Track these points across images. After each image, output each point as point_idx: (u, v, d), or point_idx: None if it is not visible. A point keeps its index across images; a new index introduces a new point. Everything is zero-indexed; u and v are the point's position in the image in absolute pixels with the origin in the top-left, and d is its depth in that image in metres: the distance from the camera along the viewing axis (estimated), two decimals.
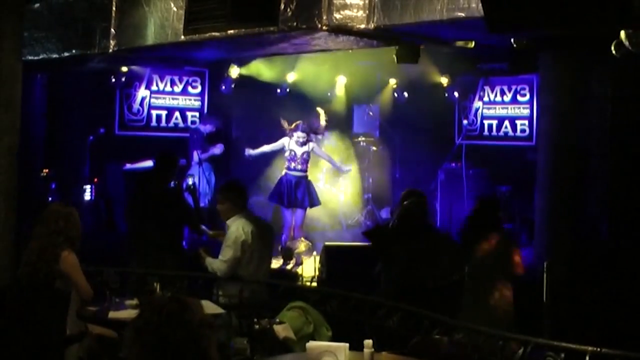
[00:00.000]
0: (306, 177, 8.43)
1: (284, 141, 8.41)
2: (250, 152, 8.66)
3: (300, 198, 8.34)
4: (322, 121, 8.62)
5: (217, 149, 9.89)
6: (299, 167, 8.32)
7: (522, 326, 5.11)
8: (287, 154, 8.38)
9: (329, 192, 10.59)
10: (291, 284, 6.63)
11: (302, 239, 8.59)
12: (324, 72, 10.85)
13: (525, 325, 5.12)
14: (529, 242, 7.97)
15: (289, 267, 7.99)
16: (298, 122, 8.45)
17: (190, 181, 8.53)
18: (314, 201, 8.53)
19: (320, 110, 8.75)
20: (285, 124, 8.40)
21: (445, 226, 9.25)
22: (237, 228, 5.42)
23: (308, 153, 8.36)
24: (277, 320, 4.57)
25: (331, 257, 7.20)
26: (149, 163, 9.29)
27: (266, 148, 8.61)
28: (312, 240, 8.92)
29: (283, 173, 8.44)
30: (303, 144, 8.28)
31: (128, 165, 9.59)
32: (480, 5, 4.19)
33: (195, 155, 9.51)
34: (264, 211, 9.39)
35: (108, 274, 4.89)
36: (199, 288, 5.40)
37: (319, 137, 8.55)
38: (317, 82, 10.89)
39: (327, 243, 7.73)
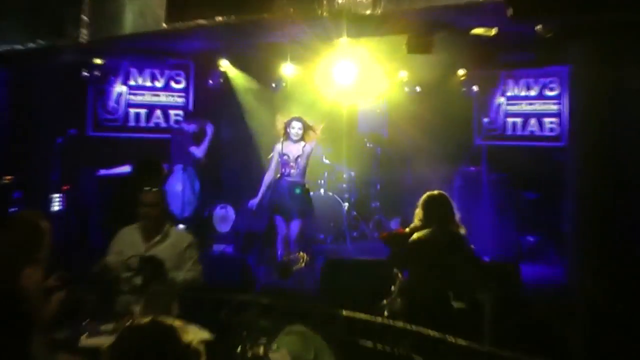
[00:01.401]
0: (303, 184, 8.41)
1: (276, 148, 8.38)
2: (254, 202, 8.51)
3: (296, 207, 8.31)
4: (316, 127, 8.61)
5: (199, 152, 9.88)
6: (294, 171, 8.30)
7: (554, 351, 5.07)
8: (280, 158, 8.34)
9: (331, 200, 10.59)
10: (289, 304, 6.61)
11: (301, 253, 8.55)
12: (325, 63, 10.82)
13: (558, 350, 5.07)
14: (558, 257, 7.95)
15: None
16: (293, 116, 8.45)
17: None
18: (310, 211, 8.50)
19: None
20: (280, 124, 8.37)
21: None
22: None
23: (301, 156, 8.32)
24: (274, 346, 4.55)
25: (334, 273, 7.19)
26: (126, 168, 9.30)
27: (267, 177, 8.46)
28: (312, 254, 8.91)
29: (277, 177, 8.42)
30: (298, 141, 8.24)
31: (103, 171, 9.57)
32: None
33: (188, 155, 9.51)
34: (257, 220, 9.38)
35: (82, 293, 4.86)
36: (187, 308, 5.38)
37: (313, 142, 8.51)
38: (314, 73, 10.85)
39: (329, 258, 7.70)
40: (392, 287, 5.68)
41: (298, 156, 8.31)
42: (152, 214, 5.21)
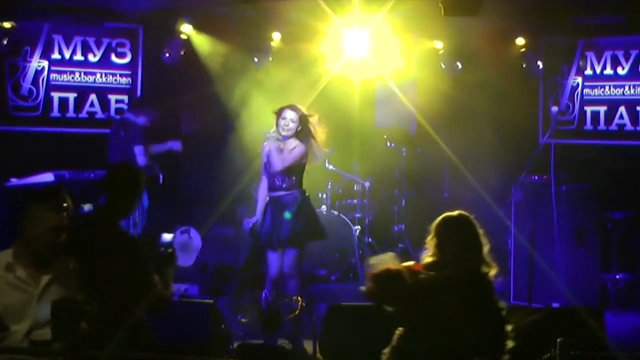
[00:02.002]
0: (300, 196, 8.33)
1: (261, 150, 8.30)
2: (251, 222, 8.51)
3: (292, 231, 8.24)
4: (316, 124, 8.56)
5: (176, 144, 9.89)
6: (275, 182, 8.22)
7: None
8: (267, 164, 8.25)
9: (336, 221, 10.55)
10: None
11: (298, 297, 8.50)
12: (327, 30, 10.82)
13: None
14: None
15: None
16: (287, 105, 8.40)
17: (87, 208, 8.49)
18: (316, 232, 8.43)
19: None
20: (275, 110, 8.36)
21: (524, 271, 9.20)
22: None
23: (289, 163, 8.23)
24: None
25: (341, 325, 7.13)
26: (48, 177, 9.26)
27: (262, 188, 8.42)
28: (309, 298, 8.85)
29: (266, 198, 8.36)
30: (292, 135, 8.13)
31: (14, 180, 9.55)
32: None
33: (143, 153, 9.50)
34: (232, 249, 9.33)
35: None
36: None
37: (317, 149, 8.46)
38: (315, 46, 10.86)
39: (334, 303, 7.66)
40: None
41: (286, 162, 8.25)
42: (60, 242, 5.14)
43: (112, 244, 5.64)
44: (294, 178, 8.23)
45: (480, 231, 5.60)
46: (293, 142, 8.19)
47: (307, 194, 8.31)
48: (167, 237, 6.06)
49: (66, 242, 5.56)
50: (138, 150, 9.53)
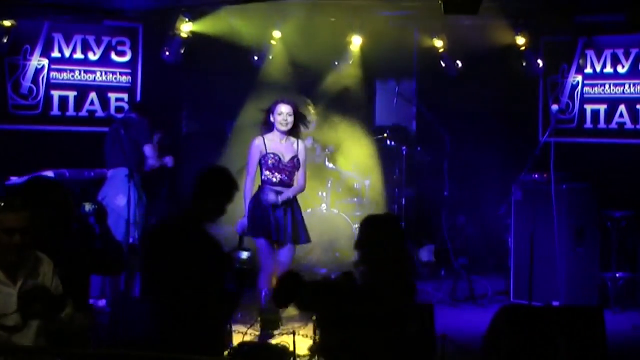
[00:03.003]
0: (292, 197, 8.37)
1: (257, 144, 8.27)
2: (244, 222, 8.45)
3: (289, 229, 8.24)
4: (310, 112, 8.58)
5: (168, 161, 9.85)
6: (287, 178, 8.21)
7: None
8: (263, 159, 8.24)
9: (336, 220, 10.54)
10: None
11: None
12: (327, 28, 10.82)
13: None
14: None
15: (274, 340, 7.93)
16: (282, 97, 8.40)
17: (88, 207, 8.44)
18: (302, 235, 8.43)
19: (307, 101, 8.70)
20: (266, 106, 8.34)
21: (524, 270, 9.19)
22: None
23: (297, 158, 8.23)
24: None
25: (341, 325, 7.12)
26: (48, 175, 9.25)
27: (249, 187, 8.38)
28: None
29: (257, 188, 8.34)
30: (287, 134, 8.13)
31: (14, 179, 9.55)
32: None
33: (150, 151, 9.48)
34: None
35: None
36: None
37: (310, 140, 8.48)
38: (316, 44, 10.86)
39: None
40: None
41: (295, 157, 8.24)
42: (17, 244, 5.09)
43: (196, 246, 5.67)
44: (295, 173, 8.27)
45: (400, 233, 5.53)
46: (292, 139, 8.22)
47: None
48: (244, 254, 6.04)
49: (147, 238, 5.61)
50: (148, 150, 9.49)
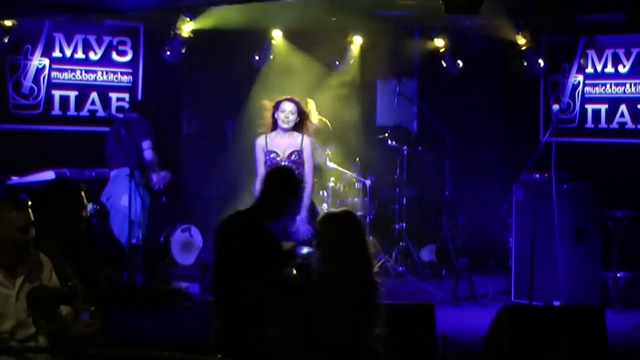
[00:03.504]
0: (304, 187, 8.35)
1: (259, 143, 8.23)
2: None
3: (300, 230, 8.19)
4: (312, 109, 8.55)
5: (164, 177, 9.82)
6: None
7: None
8: (266, 157, 8.20)
9: None
10: None
11: None
12: (328, 28, 10.82)
13: None
14: None
15: None
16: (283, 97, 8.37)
17: (90, 207, 8.45)
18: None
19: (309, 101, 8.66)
20: (267, 104, 8.30)
21: (525, 269, 9.18)
22: None
23: (299, 152, 8.20)
24: None
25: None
26: (49, 175, 9.25)
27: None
28: None
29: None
30: (289, 131, 8.10)
31: (15, 179, 9.54)
32: None
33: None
34: None
35: None
36: None
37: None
38: (317, 44, 10.86)
39: None
40: None
41: (294, 152, 8.19)
42: (31, 239, 5.11)
43: (257, 244, 5.72)
44: (301, 169, 8.24)
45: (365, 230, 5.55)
46: (295, 134, 8.20)
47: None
48: (305, 249, 6.05)
49: (215, 235, 5.67)
50: (146, 144, 9.50)
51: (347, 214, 5.50)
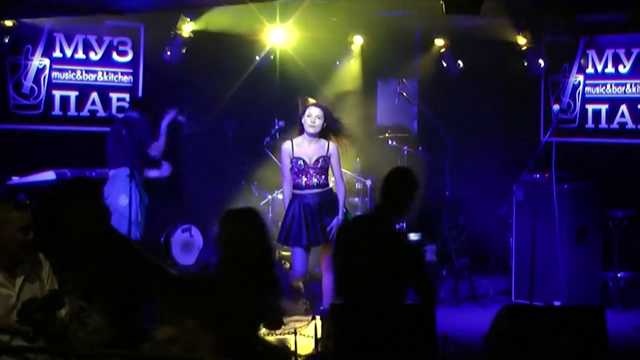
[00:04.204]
0: (330, 190, 8.37)
1: (286, 148, 8.22)
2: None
3: (334, 231, 8.20)
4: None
5: (164, 170, 9.84)
6: (315, 180, 8.20)
7: None
8: (293, 164, 8.20)
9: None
10: None
11: (299, 289, 8.55)
12: (329, 28, 10.82)
13: None
14: None
15: (272, 337, 7.93)
16: (312, 101, 8.42)
17: None
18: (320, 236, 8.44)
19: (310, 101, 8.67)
20: (303, 103, 8.36)
21: (525, 270, 9.19)
22: None
23: (326, 158, 8.22)
24: None
25: (343, 322, 7.10)
26: (49, 175, 9.26)
27: (287, 190, 8.33)
28: (311, 295, 8.85)
29: (291, 198, 8.28)
30: (316, 136, 8.11)
31: (16, 179, 9.54)
32: None
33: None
34: None
35: None
36: None
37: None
38: (317, 44, 10.86)
39: (334, 303, 7.63)
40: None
41: (320, 157, 8.22)
42: (32, 239, 5.11)
43: (386, 244, 5.81)
44: (326, 173, 8.28)
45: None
46: (322, 140, 8.23)
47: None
48: (413, 236, 6.15)
49: (337, 239, 5.72)
50: (154, 146, 9.52)
51: (249, 212, 5.50)
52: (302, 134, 8.29)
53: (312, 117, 8.19)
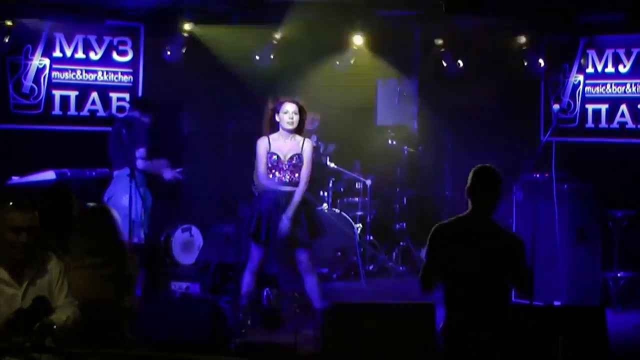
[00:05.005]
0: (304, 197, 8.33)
1: (262, 143, 8.20)
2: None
3: (281, 227, 8.15)
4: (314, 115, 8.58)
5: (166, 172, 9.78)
6: (288, 177, 8.16)
7: None
8: (267, 159, 8.17)
9: (337, 219, 10.53)
10: None
11: (296, 294, 8.52)
12: (329, 28, 10.82)
13: None
14: None
15: (276, 338, 7.95)
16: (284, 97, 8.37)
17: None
18: (317, 229, 8.36)
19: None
20: (270, 105, 8.31)
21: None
22: None
23: (300, 156, 8.17)
24: None
25: (342, 323, 7.10)
26: (49, 175, 9.25)
27: (266, 182, 8.29)
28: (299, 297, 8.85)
29: (258, 192, 8.29)
30: (292, 132, 8.07)
31: (16, 178, 9.53)
32: None
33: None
34: (234, 247, 9.33)
35: None
36: None
37: (314, 138, 8.45)
38: (317, 44, 10.86)
39: (335, 301, 7.63)
40: None
41: (295, 155, 8.16)
42: (23, 242, 5.09)
43: (488, 241, 5.93)
44: (299, 172, 8.21)
45: None
46: (296, 137, 8.18)
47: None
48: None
49: (437, 240, 5.87)
50: (139, 153, 9.39)
51: (101, 210, 5.60)
52: (276, 130, 8.22)
53: (290, 113, 8.10)
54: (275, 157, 8.12)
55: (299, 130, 8.19)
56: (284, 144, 8.14)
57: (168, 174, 9.55)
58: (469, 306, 5.67)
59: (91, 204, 6.76)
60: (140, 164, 9.27)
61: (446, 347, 5.83)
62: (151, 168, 9.43)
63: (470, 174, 6.14)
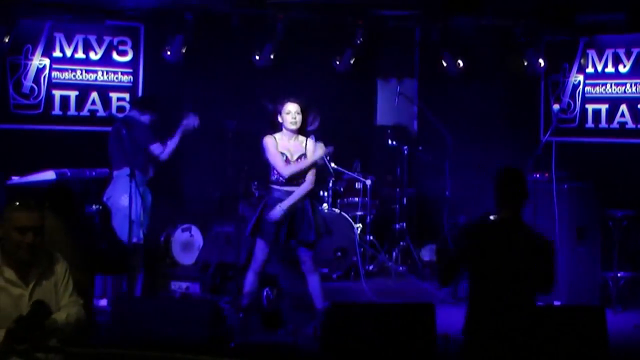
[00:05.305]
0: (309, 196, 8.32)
1: (270, 141, 8.13)
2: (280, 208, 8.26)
3: (303, 228, 8.13)
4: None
5: (163, 151, 9.77)
6: (295, 177, 8.14)
7: None
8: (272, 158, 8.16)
9: (337, 219, 10.52)
10: None
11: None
12: (328, 27, 10.82)
13: None
14: None
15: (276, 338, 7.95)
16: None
17: (93, 207, 8.45)
18: (321, 228, 8.33)
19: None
20: (272, 107, 8.29)
21: None
22: None
23: (304, 157, 8.15)
24: None
25: (342, 323, 7.09)
26: (49, 175, 9.25)
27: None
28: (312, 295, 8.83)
29: (266, 190, 8.28)
30: (295, 132, 8.05)
31: (15, 178, 9.52)
32: None
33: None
34: (234, 247, 9.28)
35: None
36: None
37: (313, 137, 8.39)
38: (317, 43, 10.85)
39: (335, 301, 7.63)
40: None
41: (301, 156, 8.14)
42: (29, 242, 5.09)
43: (522, 242, 5.85)
44: (303, 175, 8.18)
45: None
46: (299, 137, 8.16)
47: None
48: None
49: (466, 235, 5.90)
50: (155, 147, 9.40)
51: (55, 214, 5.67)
52: (278, 130, 8.17)
53: (292, 113, 8.05)
54: (285, 156, 8.08)
55: (301, 130, 8.17)
56: (289, 144, 8.11)
57: (189, 123, 9.55)
58: (498, 304, 5.67)
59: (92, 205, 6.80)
60: (163, 156, 9.33)
61: (467, 348, 5.80)
62: (173, 146, 9.46)
63: (500, 175, 6.13)
